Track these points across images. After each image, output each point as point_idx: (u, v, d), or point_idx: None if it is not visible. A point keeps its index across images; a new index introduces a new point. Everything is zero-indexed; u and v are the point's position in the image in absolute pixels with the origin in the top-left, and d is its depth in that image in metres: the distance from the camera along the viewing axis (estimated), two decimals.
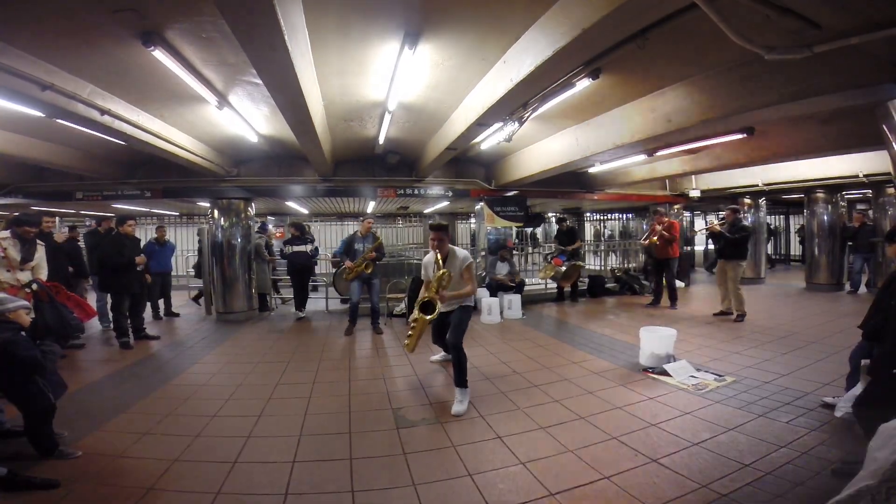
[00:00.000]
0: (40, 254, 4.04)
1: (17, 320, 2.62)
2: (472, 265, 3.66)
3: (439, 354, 4.46)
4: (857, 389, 2.72)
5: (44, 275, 4.04)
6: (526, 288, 7.70)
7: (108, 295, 5.57)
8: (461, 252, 3.68)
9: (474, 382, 3.88)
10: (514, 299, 6.89)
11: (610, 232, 15.38)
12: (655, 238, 7.18)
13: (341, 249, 6.03)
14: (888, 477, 1.44)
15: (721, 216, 6.66)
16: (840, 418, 2.84)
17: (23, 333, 2.67)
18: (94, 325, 5.99)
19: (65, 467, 2.48)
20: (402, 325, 6.38)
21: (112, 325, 5.52)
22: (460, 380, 3.42)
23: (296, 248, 7.07)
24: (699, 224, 14.21)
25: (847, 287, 8.72)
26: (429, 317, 3.45)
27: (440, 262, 3.58)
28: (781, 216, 14.96)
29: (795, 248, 14.29)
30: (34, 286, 3.72)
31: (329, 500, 2.24)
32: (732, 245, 6.19)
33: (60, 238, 5.43)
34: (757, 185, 9.00)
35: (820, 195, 9.01)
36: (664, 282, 7.40)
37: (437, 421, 3.14)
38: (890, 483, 1.43)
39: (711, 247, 13.79)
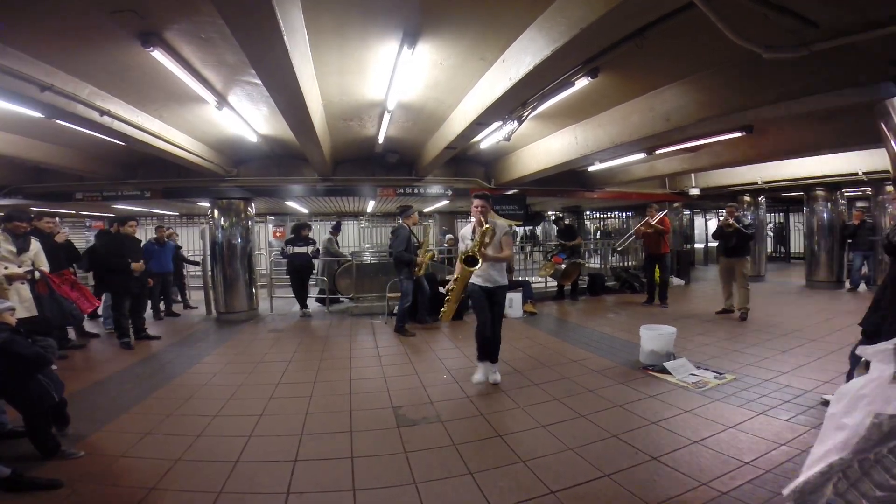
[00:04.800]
0: (36, 247, 4.06)
1: (3, 321, 2.63)
2: (511, 237, 3.95)
3: (480, 372, 3.83)
4: None
5: (45, 267, 4.08)
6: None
7: (109, 295, 5.59)
8: (503, 222, 3.97)
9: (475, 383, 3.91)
10: (515, 298, 6.88)
11: (606, 229, 15.37)
12: (644, 227, 7.20)
13: (404, 247, 5.79)
14: (862, 447, 1.25)
15: (723, 216, 6.68)
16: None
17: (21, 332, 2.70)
18: (97, 325, 5.99)
19: (68, 467, 2.49)
20: None
21: (113, 326, 5.54)
22: (497, 357, 3.91)
23: (297, 249, 7.09)
24: (699, 223, 14.21)
25: (847, 285, 8.74)
26: (471, 268, 3.64)
27: (483, 224, 3.74)
28: (781, 213, 14.99)
29: (797, 246, 14.30)
30: (37, 274, 3.81)
31: (331, 498, 2.25)
32: (745, 241, 6.23)
33: (61, 238, 5.43)
34: (756, 183, 9.01)
35: (819, 193, 9.03)
36: (656, 278, 7.41)
37: (438, 420, 3.14)
38: (865, 454, 1.25)
39: (713, 244, 13.98)
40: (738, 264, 6.22)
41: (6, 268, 3.71)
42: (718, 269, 6.66)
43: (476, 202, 3.86)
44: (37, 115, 3.86)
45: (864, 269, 8.51)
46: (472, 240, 3.77)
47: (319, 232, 12.25)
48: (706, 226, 14.62)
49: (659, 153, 6.89)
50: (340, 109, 4.97)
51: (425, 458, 2.62)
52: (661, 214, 7.42)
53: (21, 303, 3.67)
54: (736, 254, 6.27)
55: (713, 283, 6.96)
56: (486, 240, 3.64)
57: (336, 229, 9.05)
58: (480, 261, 3.62)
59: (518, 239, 12.09)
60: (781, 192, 10.57)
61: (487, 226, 3.68)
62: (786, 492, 1.56)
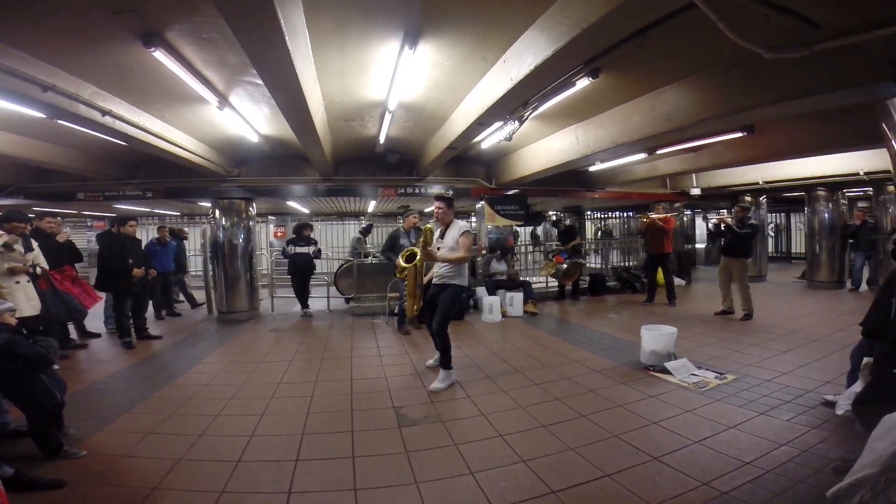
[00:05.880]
0: (36, 247, 4.13)
1: (3, 322, 2.64)
2: (469, 234, 3.84)
3: (434, 358, 4.28)
4: (857, 387, 2.73)
5: (44, 265, 4.13)
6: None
7: (111, 294, 5.60)
8: (461, 222, 3.98)
9: (476, 381, 3.91)
10: (516, 297, 6.89)
11: (607, 229, 15.33)
12: (645, 218, 7.24)
13: (387, 246, 6.04)
14: (888, 467, 1.44)
15: (730, 214, 6.67)
16: (841, 416, 2.85)
17: (24, 331, 2.71)
18: (99, 325, 6.01)
19: (70, 467, 2.50)
20: None
21: (114, 326, 5.55)
22: (445, 363, 3.81)
23: (298, 250, 7.11)
24: (700, 223, 14.19)
25: (848, 285, 8.72)
26: (408, 265, 3.77)
27: (439, 230, 3.92)
28: (783, 213, 14.97)
29: (797, 246, 14.27)
30: (38, 269, 3.86)
31: (332, 498, 2.25)
32: (739, 241, 6.15)
33: (62, 238, 5.44)
34: (758, 183, 9.00)
35: (821, 193, 9.01)
36: (658, 279, 7.40)
37: (439, 419, 3.15)
38: (889, 473, 1.44)
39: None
40: (733, 265, 6.18)
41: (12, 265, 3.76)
42: (718, 267, 6.64)
43: (436, 203, 4.08)
44: (39, 115, 3.86)
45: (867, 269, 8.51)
46: (416, 241, 3.99)
47: (321, 232, 12.28)
48: (707, 226, 14.61)
49: (660, 153, 6.88)
50: (342, 109, 4.98)
51: (426, 457, 2.63)
52: (667, 214, 7.43)
53: (28, 301, 3.73)
54: (731, 254, 6.22)
55: (714, 284, 6.96)
56: (424, 239, 3.75)
57: (366, 231, 9.05)
58: (417, 257, 3.77)
59: (517, 239, 12.07)
60: (783, 193, 10.55)
61: (429, 226, 3.87)
62: (829, 493, 1.72)
